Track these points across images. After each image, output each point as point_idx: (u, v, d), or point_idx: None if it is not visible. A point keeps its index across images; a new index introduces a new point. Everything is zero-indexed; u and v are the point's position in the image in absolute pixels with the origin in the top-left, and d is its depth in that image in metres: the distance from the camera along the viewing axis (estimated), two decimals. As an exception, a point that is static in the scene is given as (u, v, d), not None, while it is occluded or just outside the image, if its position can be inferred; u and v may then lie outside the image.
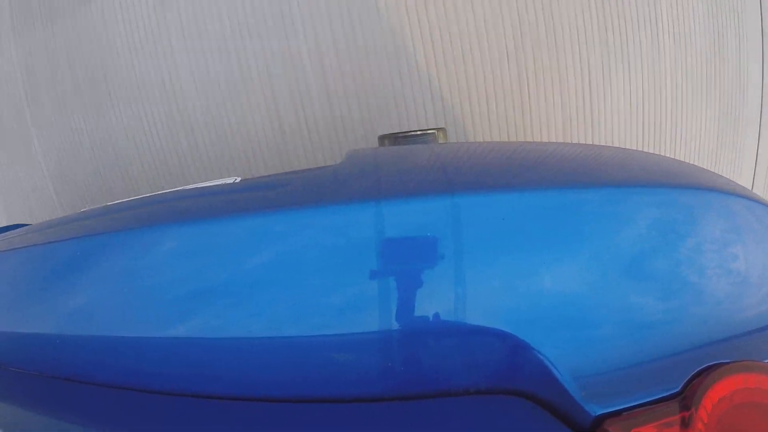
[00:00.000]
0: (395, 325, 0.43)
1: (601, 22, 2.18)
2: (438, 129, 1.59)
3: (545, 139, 2.24)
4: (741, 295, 0.48)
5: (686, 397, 0.37)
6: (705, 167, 0.66)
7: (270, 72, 2.26)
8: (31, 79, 2.60)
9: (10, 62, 2.63)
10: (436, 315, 0.43)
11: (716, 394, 0.36)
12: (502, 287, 0.43)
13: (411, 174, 0.56)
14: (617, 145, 2.20)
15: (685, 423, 0.35)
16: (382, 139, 1.58)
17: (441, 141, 1.56)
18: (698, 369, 0.39)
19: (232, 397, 0.44)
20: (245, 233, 0.46)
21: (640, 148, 2.26)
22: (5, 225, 1.13)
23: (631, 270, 0.45)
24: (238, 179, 0.66)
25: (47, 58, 2.50)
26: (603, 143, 2.26)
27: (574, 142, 2.26)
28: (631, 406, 0.37)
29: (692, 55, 2.26)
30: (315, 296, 0.44)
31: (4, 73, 2.67)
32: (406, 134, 1.58)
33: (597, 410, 0.37)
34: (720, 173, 0.64)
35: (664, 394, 0.38)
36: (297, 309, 0.44)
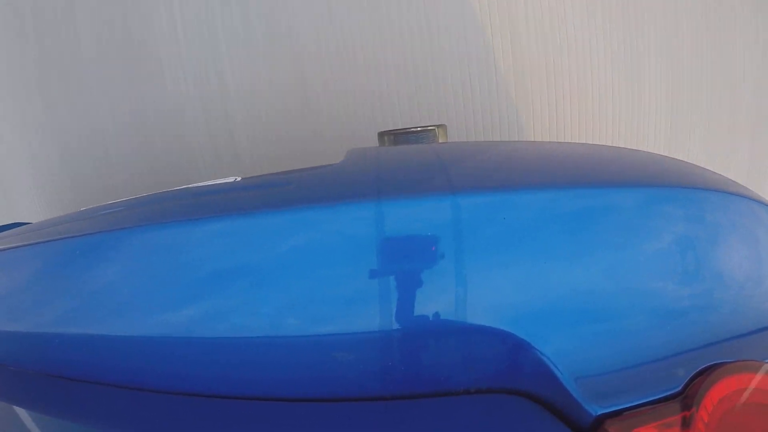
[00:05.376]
0: (396, 325, 0.43)
1: (605, 20, 2.17)
2: (438, 126, 1.58)
3: (547, 138, 2.23)
4: (742, 296, 0.48)
5: (687, 397, 0.37)
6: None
7: (268, 70, 2.25)
8: (40, 75, 2.59)
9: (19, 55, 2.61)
10: (437, 314, 0.43)
11: (717, 394, 0.36)
12: (502, 287, 0.43)
13: (411, 173, 0.56)
14: (621, 145, 2.20)
15: (686, 423, 0.36)
16: (382, 135, 1.57)
17: (441, 138, 1.55)
18: (699, 369, 0.39)
19: (233, 397, 0.44)
20: (246, 232, 0.46)
21: (645, 149, 2.25)
22: (5, 224, 1.13)
23: (632, 271, 0.45)
24: (239, 178, 0.66)
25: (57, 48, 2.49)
26: (606, 143, 2.25)
27: (575, 141, 2.25)
28: (631, 406, 0.37)
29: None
30: (315, 295, 0.44)
31: (8, 67, 2.65)
32: (406, 131, 1.58)
33: (597, 410, 0.37)
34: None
35: (665, 394, 0.38)
36: (297, 308, 0.44)
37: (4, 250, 0.55)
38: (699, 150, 2.37)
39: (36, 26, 2.51)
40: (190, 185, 0.68)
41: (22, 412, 0.44)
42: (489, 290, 0.43)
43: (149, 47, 2.35)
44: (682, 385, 0.38)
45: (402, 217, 0.45)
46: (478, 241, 0.44)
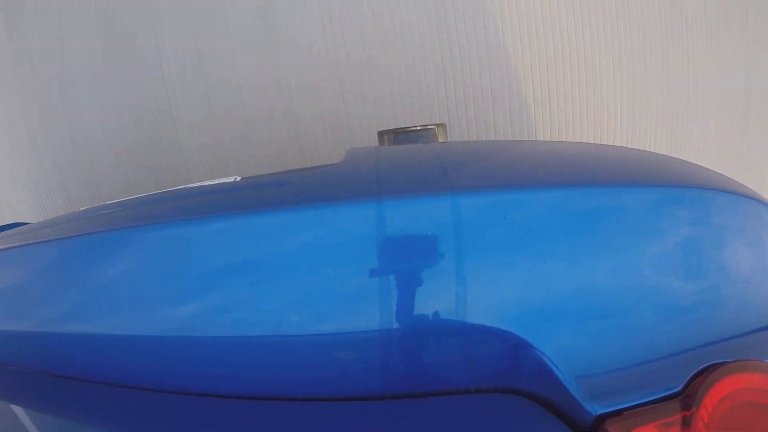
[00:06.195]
0: (396, 324, 0.43)
1: (608, 18, 2.16)
2: (438, 125, 1.58)
3: (548, 138, 2.23)
4: (742, 296, 0.48)
5: (687, 397, 0.37)
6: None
7: (268, 69, 2.25)
8: (36, 75, 2.58)
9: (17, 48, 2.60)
10: (437, 314, 0.43)
11: (717, 394, 0.36)
12: (502, 286, 0.43)
13: (411, 173, 0.56)
14: (622, 144, 2.20)
15: (686, 422, 0.36)
16: (382, 134, 1.57)
17: (441, 137, 1.55)
18: (699, 368, 0.39)
19: (233, 396, 0.44)
20: (245, 232, 0.46)
21: (649, 149, 2.25)
22: (5, 224, 1.13)
23: (633, 271, 0.45)
24: (239, 178, 0.66)
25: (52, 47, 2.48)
26: (608, 142, 2.25)
27: (576, 141, 2.25)
28: (631, 406, 0.37)
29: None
30: (316, 295, 0.44)
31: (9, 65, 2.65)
32: (406, 130, 1.57)
33: (598, 410, 0.37)
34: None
35: (665, 394, 0.38)
36: (298, 308, 0.44)
37: (4, 250, 0.55)
38: (701, 152, 2.37)
39: (28, 35, 2.52)
40: (190, 185, 0.68)
41: (22, 412, 0.44)
42: (489, 290, 0.43)
43: (140, 42, 2.35)
44: (683, 385, 0.38)
45: (402, 216, 0.45)
46: (478, 240, 0.44)
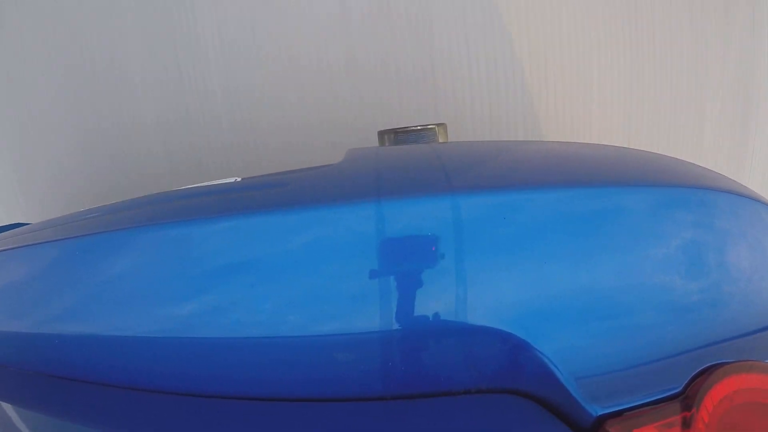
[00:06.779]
0: (396, 325, 0.43)
1: (609, 17, 2.16)
2: (438, 125, 1.58)
3: (550, 138, 2.22)
4: (743, 296, 0.48)
5: (687, 397, 0.37)
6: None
7: (268, 67, 2.24)
8: (30, 74, 2.58)
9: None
10: (437, 315, 0.43)
11: (717, 394, 0.36)
12: (502, 287, 0.43)
13: (411, 173, 0.56)
14: (625, 145, 2.20)
15: (686, 423, 0.36)
16: (382, 134, 1.57)
17: (441, 136, 1.55)
18: (700, 369, 0.39)
19: (233, 397, 0.44)
20: (245, 233, 0.46)
21: (651, 150, 2.24)
22: (5, 224, 1.13)
23: (633, 272, 0.45)
24: (239, 179, 0.66)
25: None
26: (610, 142, 2.24)
27: (576, 141, 2.24)
28: (632, 407, 0.37)
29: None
30: (316, 296, 0.44)
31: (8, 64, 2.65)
32: (406, 129, 1.57)
33: (598, 410, 0.37)
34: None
35: (666, 395, 0.38)
36: (298, 309, 0.44)
37: (4, 250, 0.55)
38: (703, 153, 2.36)
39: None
40: (190, 185, 0.68)
41: (22, 412, 0.45)
42: (489, 290, 0.43)
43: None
44: (683, 386, 0.38)
45: (402, 217, 0.45)
46: (478, 241, 0.44)
